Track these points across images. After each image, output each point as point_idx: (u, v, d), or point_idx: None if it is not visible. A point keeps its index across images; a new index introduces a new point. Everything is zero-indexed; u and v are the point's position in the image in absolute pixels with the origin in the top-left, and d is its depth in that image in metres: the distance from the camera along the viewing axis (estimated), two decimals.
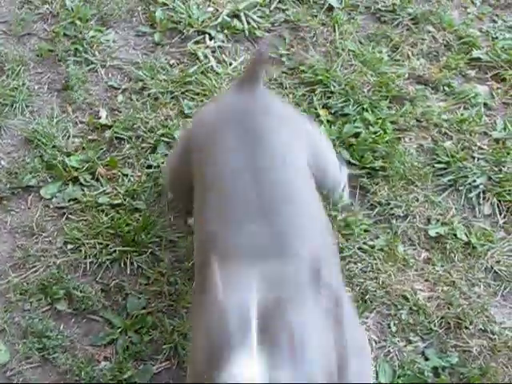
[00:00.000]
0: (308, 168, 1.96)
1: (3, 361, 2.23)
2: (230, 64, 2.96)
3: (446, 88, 2.95)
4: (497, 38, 3.15)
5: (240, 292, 1.39)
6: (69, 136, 2.72)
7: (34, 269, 2.40)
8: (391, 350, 2.27)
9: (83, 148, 2.69)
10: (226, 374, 1.22)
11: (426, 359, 2.26)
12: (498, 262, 2.47)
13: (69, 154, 2.66)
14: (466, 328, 2.32)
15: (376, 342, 2.29)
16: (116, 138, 2.72)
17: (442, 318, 2.33)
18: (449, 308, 2.35)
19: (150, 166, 2.63)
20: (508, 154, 2.73)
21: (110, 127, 2.75)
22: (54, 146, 2.68)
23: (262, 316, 1.30)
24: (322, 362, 1.31)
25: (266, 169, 1.83)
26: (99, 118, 2.79)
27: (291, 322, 1.30)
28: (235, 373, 1.22)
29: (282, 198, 1.78)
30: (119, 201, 2.53)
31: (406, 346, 2.28)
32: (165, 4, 3.16)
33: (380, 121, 2.75)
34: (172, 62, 2.98)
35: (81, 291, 2.34)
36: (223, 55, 3.00)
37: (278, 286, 1.38)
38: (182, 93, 2.85)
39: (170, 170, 2.34)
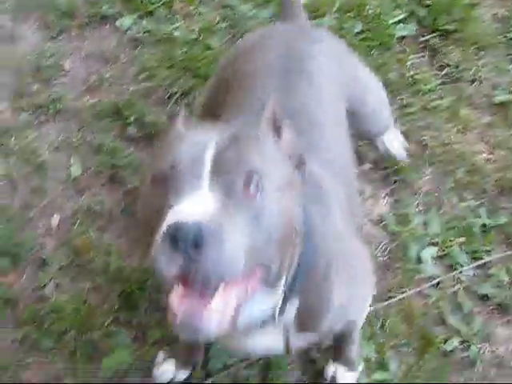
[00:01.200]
0: (343, 106, 1.90)
1: (76, 174, 2.36)
2: None
3: None
4: None
5: (201, 129, 1.27)
6: None
7: (107, 93, 2.50)
8: (445, 204, 2.35)
9: None
10: (171, 212, 1.10)
11: (476, 217, 2.34)
12: None
13: None
14: None
15: (432, 196, 2.36)
16: None
17: (497, 180, 2.39)
18: (505, 172, 2.41)
19: (225, 6, 2.66)
20: None
21: None
22: None
23: (218, 152, 1.16)
24: (279, 212, 1.18)
25: (297, 81, 1.77)
26: None
27: (249, 159, 1.17)
28: (180, 209, 1.09)
29: (308, 119, 1.71)
30: (194, 36, 2.59)
31: (459, 202, 2.35)
32: None
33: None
34: None
35: (150, 118, 2.43)
36: None
37: (237, 131, 1.24)
38: None
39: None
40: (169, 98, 2.49)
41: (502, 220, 2.33)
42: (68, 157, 2.40)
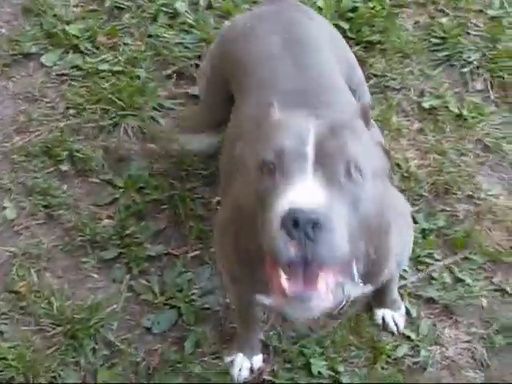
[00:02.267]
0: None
1: (10, 217, 2.33)
2: None
3: None
4: None
5: (297, 118, 1.34)
6: (69, 5, 2.74)
7: (37, 132, 2.48)
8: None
9: (83, 18, 2.72)
10: (284, 200, 1.19)
11: (415, 222, 2.37)
12: (487, 134, 2.55)
13: (69, 23, 2.69)
14: (454, 194, 2.42)
15: None
16: (116, 7, 2.75)
17: (432, 184, 2.43)
18: (438, 175, 2.44)
19: (150, 36, 2.67)
20: (503, 31, 2.77)
21: None
22: (54, 15, 2.71)
23: (319, 142, 1.25)
24: (374, 198, 1.29)
25: (304, 54, 1.87)
26: None
27: (348, 147, 1.25)
28: (293, 197, 1.18)
29: (321, 83, 1.81)
30: (120, 68, 2.58)
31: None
32: None
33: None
34: None
35: (83, 153, 2.42)
36: None
37: (333, 121, 1.33)
38: None
39: (204, 79, 2.22)
40: (100, 131, 2.47)
41: (441, 223, 2.37)
42: (1, 200, 2.36)
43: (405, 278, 2.26)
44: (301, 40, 1.92)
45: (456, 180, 2.44)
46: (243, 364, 2.10)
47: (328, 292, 1.24)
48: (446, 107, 2.58)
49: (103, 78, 2.56)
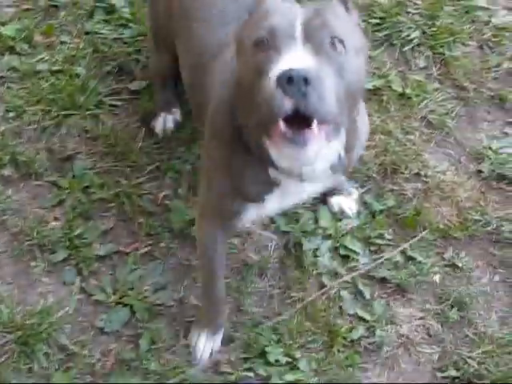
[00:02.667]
0: None
1: None
2: None
3: None
4: None
5: (286, 4, 1.53)
6: (1, 6, 2.68)
7: None
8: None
9: (18, 18, 2.66)
10: (279, 64, 1.35)
11: (365, 203, 2.38)
12: (431, 111, 2.57)
13: (4, 24, 2.63)
14: (402, 173, 2.43)
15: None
16: (51, 5, 2.70)
17: (380, 164, 2.44)
18: (385, 155, 2.45)
19: (87, 33, 2.63)
20: (441, 8, 2.78)
21: None
22: None
23: (306, 20, 1.43)
24: (356, 68, 1.44)
25: None
26: None
27: (331, 24, 1.42)
28: (286, 62, 1.35)
29: None
30: (58, 67, 2.54)
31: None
32: None
33: None
34: None
35: (26, 156, 2.38)
36: None
37: (317, 6, 1.50)
38: None
39: (151, 26, 2.30)
40: (42, 132, 2.43)
41: (390, 203, 2.38)
42: None
43: (357, 260, 2.28)
44: None
45: (403, 159, 2.45)
46: (206, 347, 2.12)
47: (322, 135, 1.39)
48: (390, 87, 2.59)
49: (42, 78, 2.51)
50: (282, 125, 1.35)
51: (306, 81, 1.31)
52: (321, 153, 1.44)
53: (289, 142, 1.37)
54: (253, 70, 1.43)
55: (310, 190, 1.77)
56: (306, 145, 1.37)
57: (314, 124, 1.36)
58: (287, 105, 1.32)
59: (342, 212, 2.35)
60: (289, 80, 1.31)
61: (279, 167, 1.58)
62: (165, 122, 2.45)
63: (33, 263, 2.22)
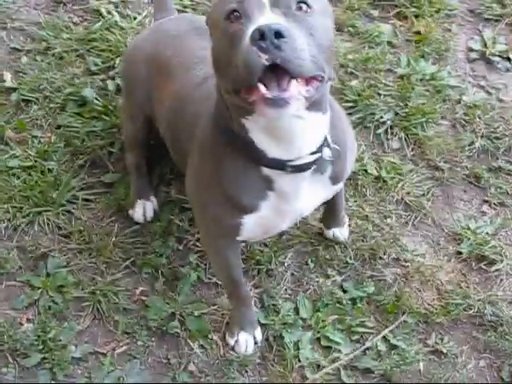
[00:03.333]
0: None
1: None
2: (135, 18, 2.94)
3: (351, 29, 3.00)
4: None
5: None
6: None
7: None
8: (310, 287, 2.34)
9: None
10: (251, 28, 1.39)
11: (344, 291, 2.34)
12: (407, 193, 2.56)
13: None
14: (381, 258, 2.41)
15: (296, 280, 2.36)
16: (23, 100, 2.68)
17: (357, 250, 2.41)
18: (363, 241, 2.43)
19: (59, 126, 2.61)
20: (413, 89, 2.80)
21: (15, 90, 2.71)
22: None
23: None
24: (325, 30, 1.51)
25: None
26: (4, 81, 2.74)
27: None
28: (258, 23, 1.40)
29: None
30: (30, 163, 2.51)
31: (324, 280, 2.35)
32: None
33: None
34: (75, 19, 2.94)
35: None
36: (127, 9, 2.97)
37: None
38: (88, 50, 2.82)
39: (127, 102, 2.38)
40: (14, 231, 2.39)
41: (370, 289, 2.35)
42: None
43: (339, 351, 2.23)
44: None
45: (381, 244, 2.43)
46: (248, 341, 2.23)
47: (301, 94, 1.43)
48: (365, 170, 2.58)
49: (14, 174, 2.48)
50: (260, 87, 1.39)
51: (277, 34, 1.35)
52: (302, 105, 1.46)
53: (270, 104, 1.40)
54: (228, 41, 1.47)
55: (306, 199, 1.78)
56: (287, 103, 1.40)
57: (293, 81, 1.40)
58: (263, 59, 1.36)
59: (337, 239, 2.43)
60: (261, 36, 1.36)
61: (264, 157, 1.62)
62: (144, 208, 2.43)
63: (4, 369, 2.15)
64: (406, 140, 2.69)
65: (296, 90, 1.41)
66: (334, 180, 1.83)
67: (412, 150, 2.68)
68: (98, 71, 2.75)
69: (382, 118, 2.72)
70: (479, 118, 2.78)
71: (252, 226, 1.81)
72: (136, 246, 2.38)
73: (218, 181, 1.75)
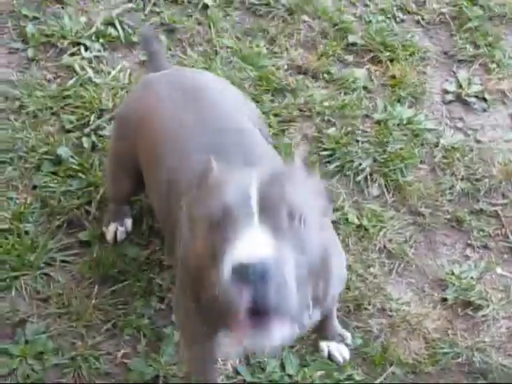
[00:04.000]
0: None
1: None
2: (109, 73, 2.92)
3: (326, 75, 3.00)
4: (370, 21, 3.22)
5: (239, 173, 1.42)
6: None
7: None
8: (296, 342, 2.29)
9: None
10: (234, 252, 1.24)
11: None
12: (390, 240, 2.54)
13: None
14: (366, 309, 2.38)
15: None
16: None
17: (342, 302, 2.37)
18: (347, 292, 2.40)
19: (35, 187, 2.57)
20: (390, 134, 2.80)
21: None
22: None
23: (262, 194, 1.33)
24: (317, 241, 1.37)
25: (214, 119, 1.90)
26: None
27: (290, 197, 1.33)
28: (242, 249, 1.24)
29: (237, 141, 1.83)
30: (6, 226, 2.46)
31: (309, 335, 2.31)
32: (35, 18, 3.07)
33: (264, 115, 2.77)
34: (48, 76, 2.91)
35: None
36: (101, 65, 2.95)
37: (274, 172, 1.41)
38: (62, 107, 2.79)
39: (111, 163, 2.31)
40: None
41: (357, 341, 2.31)
42: None
43: None
44: (204, 98, 1.96)
45: (365, 294, 2.40)
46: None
47: (284, 328, 1.30)
48: (346, 219, 2.56)
49: None
50: (240, 324, 1.27)
51: (263, 277, 1.20)
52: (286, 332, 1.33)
53: (250, 336, 1.29)
54: (208, 252, 1.33)
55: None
56: (269, 335, 1.28)
57: (275, 323, 1.27)
58: (244, 301, 1.22)
59: (333, 358, 2.26)
60: (244, 277, 1.21)
61: None
62: (116, 232, 2.47)
63: None
64: (386, 186, 2.68)
65: (278, 330, 1.29)
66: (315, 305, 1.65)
67: (392, 195, 2.67)
68: (73, 129, 2.72)
69: (360, 165, 2.71)
70: (458, 160, 2.78)
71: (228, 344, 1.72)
72: (117, 308, 2.32)
73: (196, 315, 1.66)
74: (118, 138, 2.21)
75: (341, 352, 2.26)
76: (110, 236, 2.46)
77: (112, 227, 2.46)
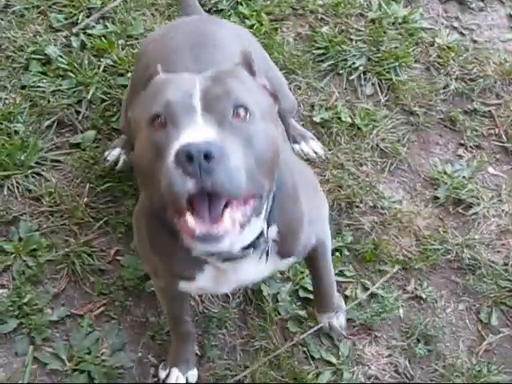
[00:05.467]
0: None
1: None
2: None
3: None
4: None
5: (182, 75, 1.43)
6: None
7: None
8: None
9: None
10: (177, 142, 1.21)
11: None
12: (382, 139, 2.53)
13: None
14: (357, 207, 2.39)
15: None
16: None
17: (334, 200, 2.38)
18: (339, 190, 2.40)
19: (23, 87, 2.54)
20: (384, 32, 2.75)
21: None
22: None
23: (205, 90, 1.31)
24: (266, 134, 1.33)
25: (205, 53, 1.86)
26: None
27: (233, 91, 1.31)
28: (185, 137, 1.21)
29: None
30: None
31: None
32: None
33: (255, 13, 2.72)
34: None
35: None
36: None
37: (217, 71, 1.40)
38: (49, 6, 2.73)
39: (127, 93, 2.24)
40: None
41: (348, 239, 2.33)
42: None
43: None
44: (205, 42, 1.90)
45: (357, 192, 2.40)
46: (179, 378, 2.08)
47: (236, 225, 1.26)
48: (339, 118, 2.54)
49: None
50: (189, 220, 1.22)
51: (207, 156, 1.17)
52: (237, 240, 1.30)
53: (200, 241, 1.23)
54: (151, 150, 1.29)
55: (248, 272, 1.61)
56: (219, 240, 1.23)
57: (227, 210, 1.24)
58: (189, 185, 1.18)
59: (334, 330, 2.18)
60: (188, 157, 1.17)
61: (194, 249, 1.41)
62: (119, 156, 2.40)
63: None
64: (379, 85, 2.65)
65: (230, 220, 1.24)
66: (283, 255, 1.66)
67: (386, 95, 2.64)
68: (61, 28, 2.67)
69: (354, 63, 2.66)
70: (453, 60, 2.74)
71: (188, 289, 1.72)
72: (108, 206, 2.34)
73: (152, 251, 1.63)
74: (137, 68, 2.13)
75: (340, 323, 2.19)
76: (111, 157, 2.40)
77: (116, 152, 2.40)
